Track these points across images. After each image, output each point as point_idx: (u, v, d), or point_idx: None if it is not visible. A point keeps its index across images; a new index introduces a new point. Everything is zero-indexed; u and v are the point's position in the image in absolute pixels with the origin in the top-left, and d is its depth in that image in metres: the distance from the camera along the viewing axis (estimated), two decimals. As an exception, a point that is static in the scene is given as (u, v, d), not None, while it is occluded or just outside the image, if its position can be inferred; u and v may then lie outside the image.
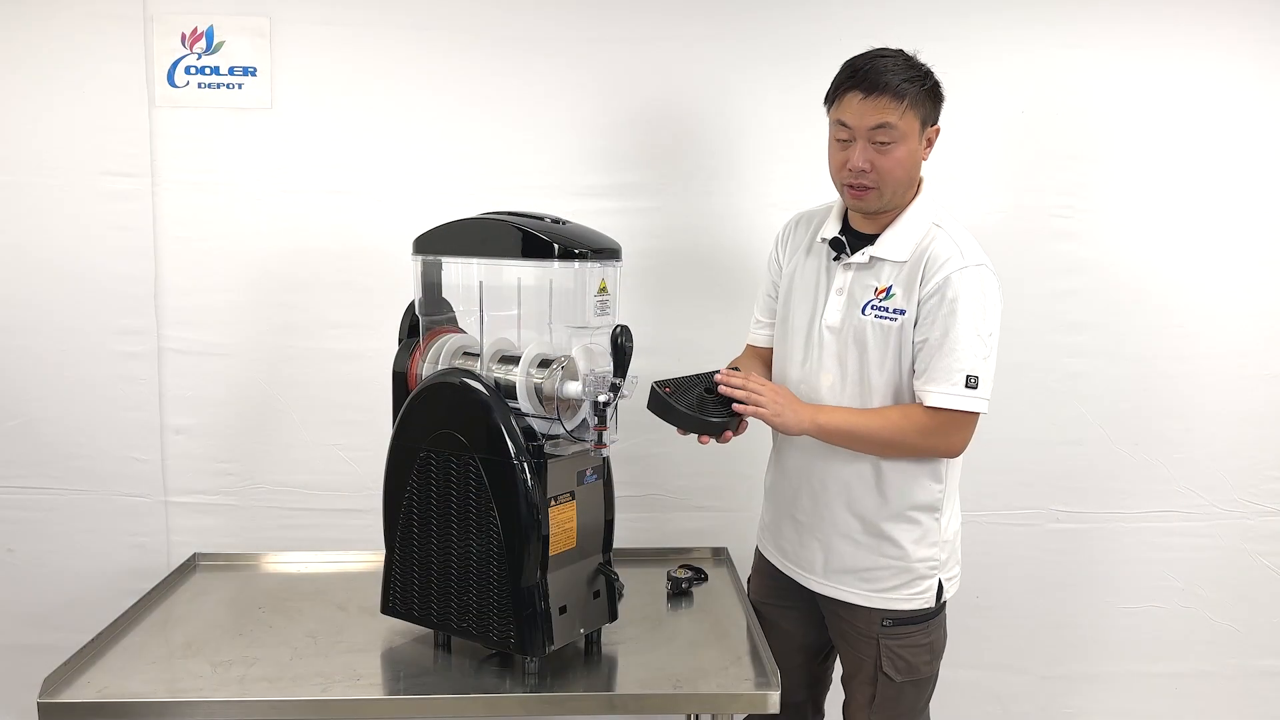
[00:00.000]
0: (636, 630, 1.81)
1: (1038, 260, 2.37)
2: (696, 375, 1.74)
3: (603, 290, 1.62)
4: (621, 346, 1.57)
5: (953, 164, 2.32)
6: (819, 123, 1.75)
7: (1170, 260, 2.39)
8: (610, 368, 1.59)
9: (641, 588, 1.99)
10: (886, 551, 1.76)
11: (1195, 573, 2.50)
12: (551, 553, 1.60)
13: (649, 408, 1.69)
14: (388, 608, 1.76)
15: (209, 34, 2.26)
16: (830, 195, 1.82)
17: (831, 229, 1.80)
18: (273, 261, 2.33)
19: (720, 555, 2.21)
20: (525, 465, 1.57)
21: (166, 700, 1.56)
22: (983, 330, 1.66)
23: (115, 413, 2.35)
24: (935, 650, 1.82)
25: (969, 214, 2.33)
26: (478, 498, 1.61)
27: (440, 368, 1.74)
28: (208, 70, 2.27)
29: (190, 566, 2.13)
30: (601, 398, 1.58)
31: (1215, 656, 2.54)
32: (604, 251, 1.62)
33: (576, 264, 1.57)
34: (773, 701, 1.59)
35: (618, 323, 1.59)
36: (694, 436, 1.71)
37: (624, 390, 1.58)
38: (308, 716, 1.59)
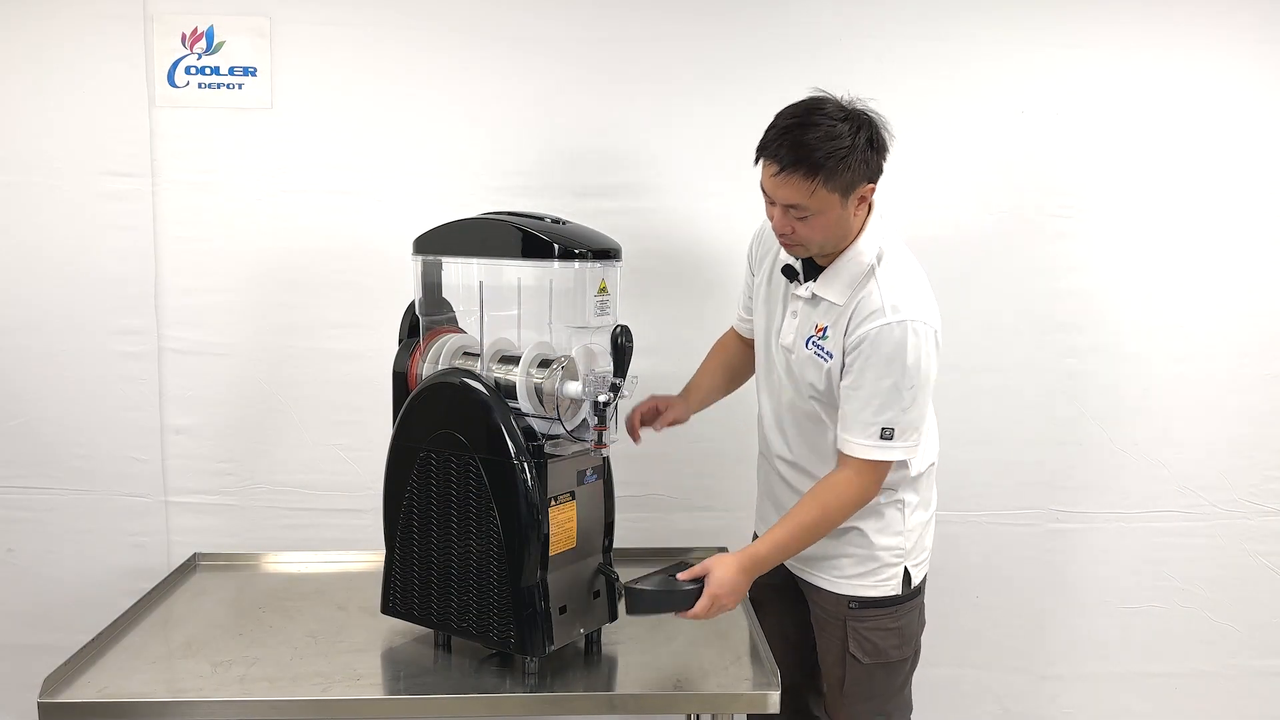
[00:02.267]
0: (636, 630, 1.80)
1: (1038, 260, 2.37)
2: (659, 570, 1.69)
3: (603, 290, 1.62)
4: (621, 346, 1.58)
5: (953, 164, 2.33)
6: (819, 123, 1.75)
7: (1169, 260, 2.39)
8: (610, 368, 1.59)
9: (642, 588, 1.99)
10: (851, 540, 1.79)
11: (1195, 573, 2.49)
12: (551, 553, 1.61)
13: (629, 613, 1.66)
14: (388, 608, 1.76)
15: (209, 34, 2.26)
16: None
17: (787, 254, 1.79)
18: (273, 261, 2.33)
19: (720, 555, 2.21)
20: (525, 465, 1.57)
21: (166, 700, 1.56)
22: (904, 384, 1.64)
23: (115, 413, 2.35)
24: (905, 635, 1.83)
25: (969, 215, 2.34)
26: (478, 498, 1.61)
27: (440, 368, 1.74)
28: (208, 70, 2.27)
29: (190, 566, 2.13)
30: (601, 398, 1.58)
31: (1215, 656, 2.53)
32: (604, 251, 1.62)
33: (576, 264, 1.58)
34: (773, 701, 1.59)
35: (618, 323, 1.59)
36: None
37: (624, 390, 1.59)
38: (308, 716, 1.60)
